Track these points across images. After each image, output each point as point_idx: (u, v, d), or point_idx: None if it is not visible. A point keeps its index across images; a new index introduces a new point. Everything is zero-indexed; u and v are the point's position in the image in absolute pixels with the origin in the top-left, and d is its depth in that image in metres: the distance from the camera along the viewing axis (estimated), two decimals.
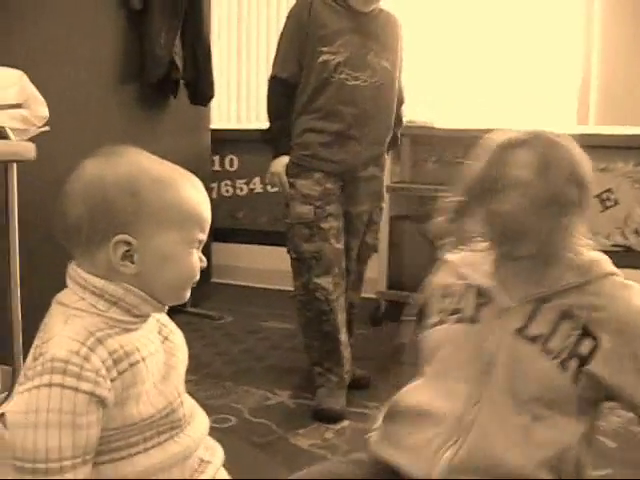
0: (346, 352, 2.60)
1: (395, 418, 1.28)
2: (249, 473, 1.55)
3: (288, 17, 2.58)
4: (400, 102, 2.73)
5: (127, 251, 0.98)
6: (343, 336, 2.59)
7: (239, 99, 4.68)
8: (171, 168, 1.05)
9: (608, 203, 3.91)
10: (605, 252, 3.42)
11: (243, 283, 4.38)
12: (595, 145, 3.84)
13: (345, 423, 2.40)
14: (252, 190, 4.57)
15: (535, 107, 4.02)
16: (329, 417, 2.43)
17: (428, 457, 1.16)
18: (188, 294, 1.06)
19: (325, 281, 2.52)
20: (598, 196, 3.91)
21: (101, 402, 0.93)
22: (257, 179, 4.53)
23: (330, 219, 2.52)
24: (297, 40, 2.52)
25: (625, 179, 3.89)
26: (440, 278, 1.40)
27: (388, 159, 2.80)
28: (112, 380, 0.94)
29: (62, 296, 1.01)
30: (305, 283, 2.55)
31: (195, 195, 1.04)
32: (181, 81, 3.61)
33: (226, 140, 4.50)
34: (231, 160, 4.61)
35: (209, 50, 3.70)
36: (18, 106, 2.03)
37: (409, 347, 1.45)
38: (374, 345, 2.82)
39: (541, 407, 1.17)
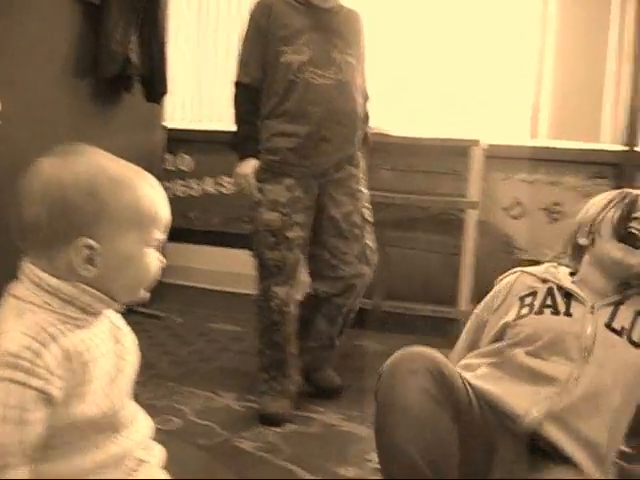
0: (295, 362, 2.59)
1: (504, 368, 1.57)
2: (192, 475, 1.55)
3: (249, 19, 2.55)
4: (365, 98, 2.69)
5: (89, 254, 0.97)
6: (293, 347, 2.57)
7: (195, 98, 4.64)
8: (129, 168, 1.04)
9: (555, 215, 3.99)
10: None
11: (194, 284, 4.35)
12: (546, 159, 3.95)
13: (290, 427, 2.40)
14: (205, 191, 4.54)
15: (489, 120, 4.08)
16: (273, 421, 2.42)
17: (532, 399, 1.47)
18: (148, 294, 1.07)
19: (283, 291, 2.49)
20: (545, 209, 3.99)
21: (49, 400, 0.92)
22: (210, 180, 4.51)
23: (297, 228, 2.48)
24: (258, 43, 2.49)
25: (573, 193, 3.98)
26: (520, 281, 1.78)
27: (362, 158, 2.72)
28: (61, 378, 0.93)
29: (15, 289, 1.00)
30: (264, 290, 2.52)
31: (154, 195, 1.04)
32: (136, 77, 3.57)
33: (180, 139, 4.46)
34: (184, 159, 4.57)
35: (164, 47, 3.68)
36: None
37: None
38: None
39: (624, 390, 1.49)
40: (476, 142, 3.50)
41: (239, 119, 2.56)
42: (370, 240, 2.64)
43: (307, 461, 2.14)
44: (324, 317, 2.67)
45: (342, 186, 2.57)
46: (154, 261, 1.05)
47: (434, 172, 3.89)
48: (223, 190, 4.44)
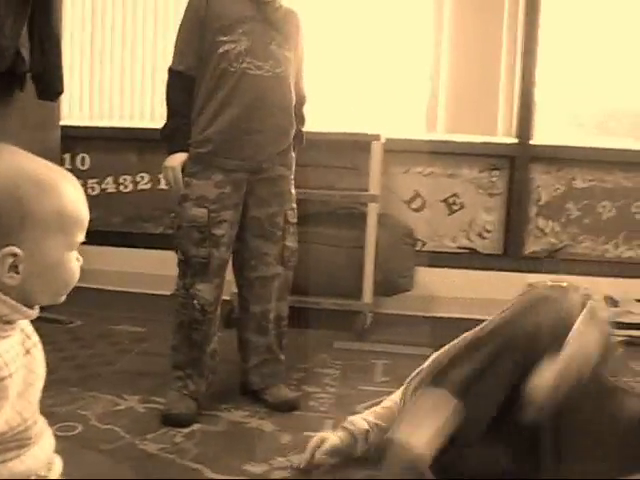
0: (211, 362, 2.55)
1: None
2: None
3: (187, 6, 2.49)
4: (302, 101, 2.68)
5: (13, 262, 0.93)
6: (211, 347, 2.53)
7: (91, 96, 4.52)
8: (49, 168, 1.01)
9: (454, 207, 4.10)
10: (451, 254, 3.55)
11: (94, 286, 4.23)
12: (443, 152, 4.05)
13: (195, 426, 2.37)
14: (104, 190, 4.43)
15: (387, 114, 4.15)
16: (178, 422, 2.38)
17: None
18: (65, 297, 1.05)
19: (207, 289, 2.45)
20: (445, 200, 4.09)
21: None
22: (110, 179, 4.40)
23: (224, 226, 2.43)
24: (195, 31, 2.43)
25: (470, 185, 4.10)
26: None
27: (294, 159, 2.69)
28: None
29: None
30: (187, 287, 2.46)
31: (76, 197, 1.01)
32: (28, 74, 3.44)
33: (78, 138, 4.34)
34: (82, 159, 4.45)
35: (59, 42, 3.54)
36: None
37: None
38: (229, 347, 2.80)
39: None
40: (377, 137, 3.55)
41: (170, 110, 2.49)
42: (291, 242, 2.62)
43: (213, 460, 2.12)
44: (255, 331, 2.63)
45: (271, 186, 2.54)
46: (76, 264, 1.02)
47: (335, 167, 3.93)
48: (123, 189, 4.35)
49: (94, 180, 4.42)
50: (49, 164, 1.02)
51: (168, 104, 2.51)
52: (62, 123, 4.11)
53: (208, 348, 2.52)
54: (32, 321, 1.09)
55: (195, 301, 2.45)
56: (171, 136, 2.48)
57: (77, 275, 1.04)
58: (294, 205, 2.64)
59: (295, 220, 2.64)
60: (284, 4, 2.59)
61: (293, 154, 2.65)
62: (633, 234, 4.11)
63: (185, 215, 2.44)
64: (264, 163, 2.50)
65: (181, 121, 2.47)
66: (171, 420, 2.38)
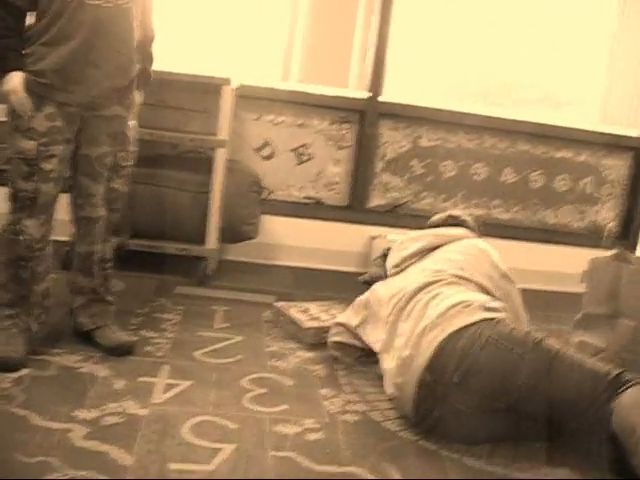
0: (45, 301, 2.46)
1: None
2: None
3: None
4: (150, 38, 2.58)
5: None
6: (42, 285, 2.43)
7: None
8: None
9: (303, 157, 4.12)
10: (297, 204, 3.58)
11: None
12: (295, 101, 4.05)
13: (24, 371, 2.27)
14: None
15: (243, 61, 4.09)
16: (6, 366, 2.28)
17: None
18: None
19: (33, 225, 2.35)
20: (294, 150, 4.10)
21: None
22: None
23: (54, 161, 2.32)
24: None
25: (320, 136, 4.12)
26: None
27: (138, 97, 2.59)
28: None
29: None
30: (14, 222, 2.35)
31: None
32: None
33: None
34: None
35: None
36: None
37: None
38: (65, 289, 2.70)
39: None
40: (227, 81, 3.48)
41: None
42: (118, 184, 2.55)
43: (43, 406, 2.05)
44: (79, 271, 2.58)
45: (105, 125, 2.44)
46: None
47: (184, 109, 3.83)
48: None
49: None
50: None
51: None
52: None
53: (38, 287, 2.43)
54: None
55: (21, 237, 2.35)
56: (3, 56, 2.30)
57: None
58: (130, 148, 2.57)
59: (127, 163, 2.58)
60: None
61: (136, 95, 2.56)
62: (471, 194, 4.31)
63: (14, 146, 2.33)
64: (99, 99, 2.40)
65: (11, 42, 2.29)
66: None
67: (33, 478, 1.70)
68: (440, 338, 2.16)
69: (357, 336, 2.63)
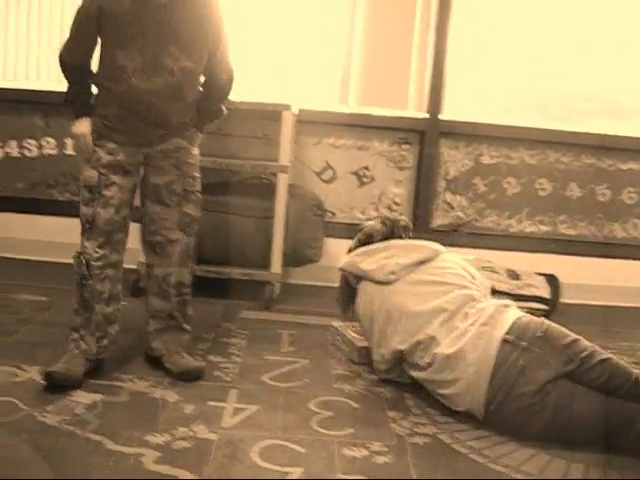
0: (109, 327, 2.54)
1: None
2: None
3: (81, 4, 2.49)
4: (229, 75, 2.68)
5: None
6: (104, 307, 2.51)
7: None
8: None
9: (364, 179, 4.14)
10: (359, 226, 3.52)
11: None
12: (354, 124, 4.07)
13: (97, 397, 2.33)
14: (8, 154, 4.26)
15: (301, 86, 4.14)
16: (58, 380, 2.36)
17: None
18: None
19: (91, 246, 2.48)
20: (355, 172, 4.12)
21: None
22: (13, 142, 4.23)
23: (113, 188, 2.49)
24: (87, 33, 2.47)
25: (380, 157, 4.13)
26: None
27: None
28: None
29: None
30: (80, 245, 2.52)
31: None
32: None
33: None
34: None
35: None
36: None
37: None
38: (136, 316, 2.76)
39: None
40: (287, 106, 3.53)
41: (69, 79, 2.55)
42: (190, 209, 2.64)
43: (115, 431, 2.10)
44: (156, 294, 2.66)
45: (168, 157, 2.59)
46: None
47: (246, 136, 3.89)
48: (27, 153, 4.18)
49: None
50: None
51: (66, 79, 2.56)
52: None
53: (99, 307, 2.51)
54: None
55: (81, 257, 2.50)
56: (75, 100, 2.54)
57: None
58: (195, 174, 2.66)
59: (195, 189, 2.66)
60: None
61: (199, 126, 2.68)
62: (535, 210, 4.24)
63: (82, 176, 2.54)
64: (154, 140, 2.55)
65: (81, 88, 2.54)
66: (52, 378, 2.36)
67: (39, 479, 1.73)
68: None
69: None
